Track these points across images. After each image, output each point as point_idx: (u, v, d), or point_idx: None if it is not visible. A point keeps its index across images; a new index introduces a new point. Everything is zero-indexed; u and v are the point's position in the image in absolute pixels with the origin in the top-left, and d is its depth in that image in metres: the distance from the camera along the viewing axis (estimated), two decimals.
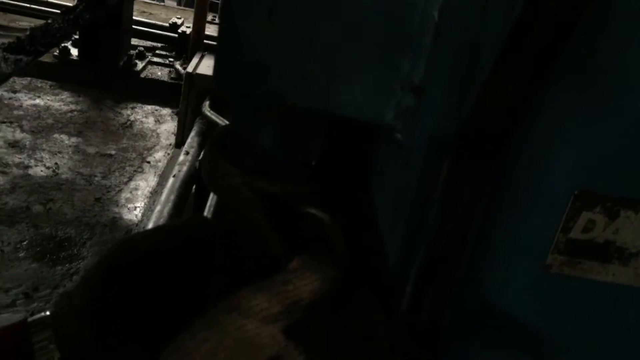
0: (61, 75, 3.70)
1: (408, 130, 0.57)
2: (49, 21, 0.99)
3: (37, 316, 0.61)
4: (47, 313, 0.62)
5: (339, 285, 0.55)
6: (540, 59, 0.46)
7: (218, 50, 0.59)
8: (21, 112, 3.28)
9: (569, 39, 0.44)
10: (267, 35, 0.56)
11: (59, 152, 2.97)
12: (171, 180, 1.79)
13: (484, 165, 0.51)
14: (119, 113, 3.55)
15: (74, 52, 3.76)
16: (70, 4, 3.23)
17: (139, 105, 3.69)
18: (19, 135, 3.05)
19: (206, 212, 1.60)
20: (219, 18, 0.59)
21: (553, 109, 0.51)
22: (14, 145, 2.95)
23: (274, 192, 0.65)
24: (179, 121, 2.75)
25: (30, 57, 0.81)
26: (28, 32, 0.93)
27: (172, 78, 3.91)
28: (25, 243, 2.32)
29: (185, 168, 1.89)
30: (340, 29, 0.55)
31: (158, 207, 1.62)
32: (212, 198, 1.64)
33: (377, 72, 0.56)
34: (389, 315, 0.55)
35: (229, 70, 0.59)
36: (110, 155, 3.05)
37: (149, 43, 4.28)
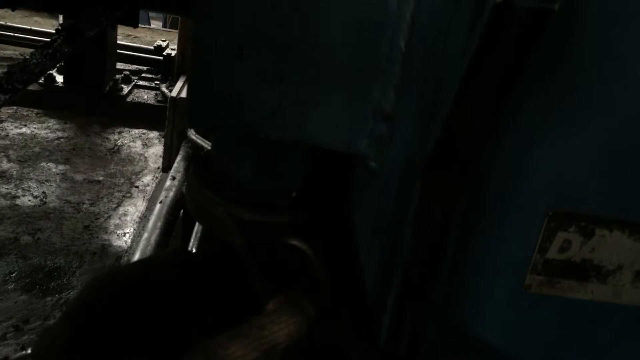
0: (47, 102, 3.69)
1: (381, 157, 0.57)
2: (27, 56, 0.99)
3: (18, 355, 0.61)
4: (29, 351, 0.61)
5: (317, 321, 0.55)
6: (501, 85, 0.46)
7: (190, 84, 0.59)
8: (7, 142, 3.26)
9: (522, 71, 0.45)
10: (238, 68, 0.57)
11: (47, 181, 2.96)
12: (158, 206, 1.78)
13: (454, 190, 0.51)
14: (106, 138, 3.54)
15: (59, 79, 3.76)
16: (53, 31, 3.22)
17: (126, 129, 3.68)
18: (5, 165, 3.03)
19: (193, 238, 1.59)
20: (192, 52, 0.59)
21: (521, 131, 0.52)
22: (1, 175, 2.94)
23: (257, 222, 0.65)
24: (165, 145, 2.75)
25: (7, 96, 0.82)
26: (6, 70, 0.93)
27: (158, 101, 3.90)
28: (14, 275, 2.30)
29: (172, 194, 1.89)
30: (310, 60, 0.55)
31: (145, 235, 1.61)
32: (198, 224, 1.63)
33: (349, 102, 0.56)
34: (367, 346, 0.55)
35: (201, 104, 0.59)
36: (99, 182, 3.04)
37: (134, 66, 4.28)
